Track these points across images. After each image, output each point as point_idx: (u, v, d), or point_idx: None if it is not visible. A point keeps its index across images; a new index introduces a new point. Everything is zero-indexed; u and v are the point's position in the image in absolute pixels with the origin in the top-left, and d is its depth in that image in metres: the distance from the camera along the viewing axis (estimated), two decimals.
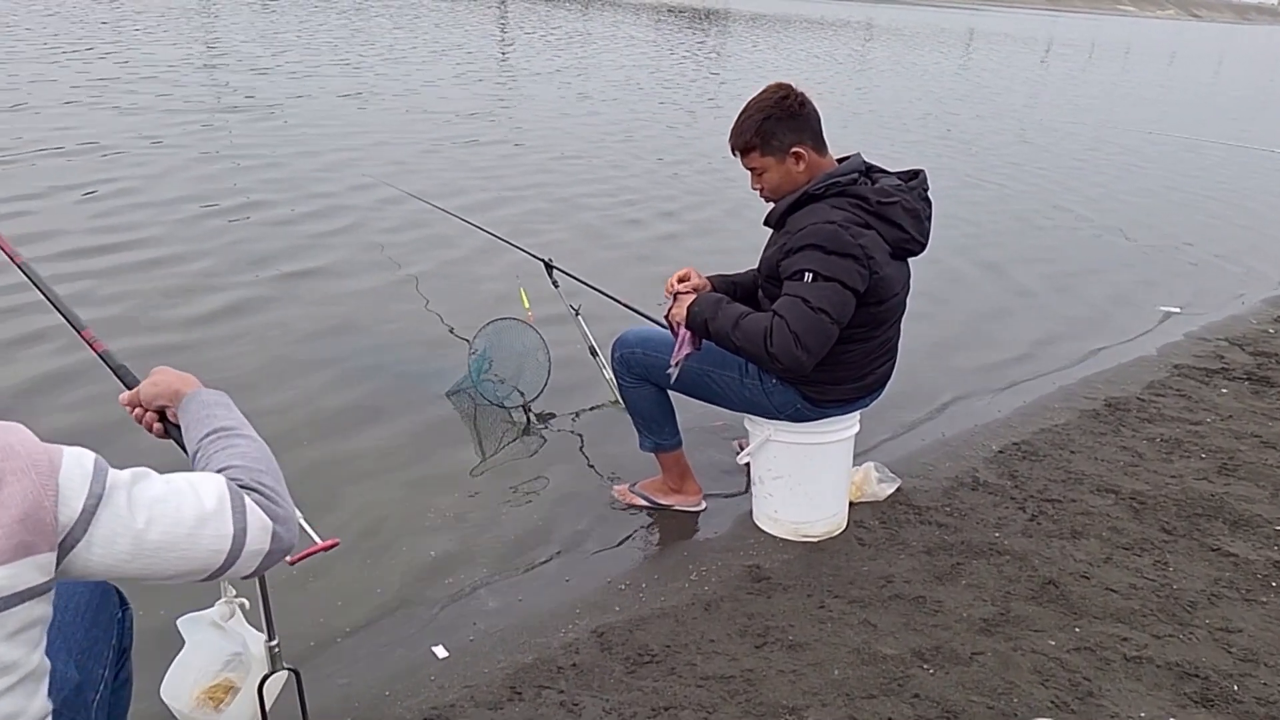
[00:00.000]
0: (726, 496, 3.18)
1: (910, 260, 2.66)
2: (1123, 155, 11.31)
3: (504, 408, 3.60)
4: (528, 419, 3.59)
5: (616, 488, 3.15)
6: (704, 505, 3.09)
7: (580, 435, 3.53)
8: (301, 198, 6.34)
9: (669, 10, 37.00)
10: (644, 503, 3.08)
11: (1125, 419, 3.94)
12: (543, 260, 3.90)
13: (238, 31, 15.66)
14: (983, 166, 9.71)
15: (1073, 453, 3.58)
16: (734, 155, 2.61)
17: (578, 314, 3.83)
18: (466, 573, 2.68)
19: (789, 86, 2.54)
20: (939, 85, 18.19)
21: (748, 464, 2.98)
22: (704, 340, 2.60)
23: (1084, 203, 8.44)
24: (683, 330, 2.60)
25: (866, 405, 2.81)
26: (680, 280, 2.72)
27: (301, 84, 10.94)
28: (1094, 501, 3.20)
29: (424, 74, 12.74)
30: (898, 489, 3.21)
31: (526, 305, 3.84)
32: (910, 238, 2.53)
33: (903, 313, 2.72)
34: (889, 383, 2.82)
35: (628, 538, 2.92)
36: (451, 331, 4.36)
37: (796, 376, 2.51)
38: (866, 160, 2.61)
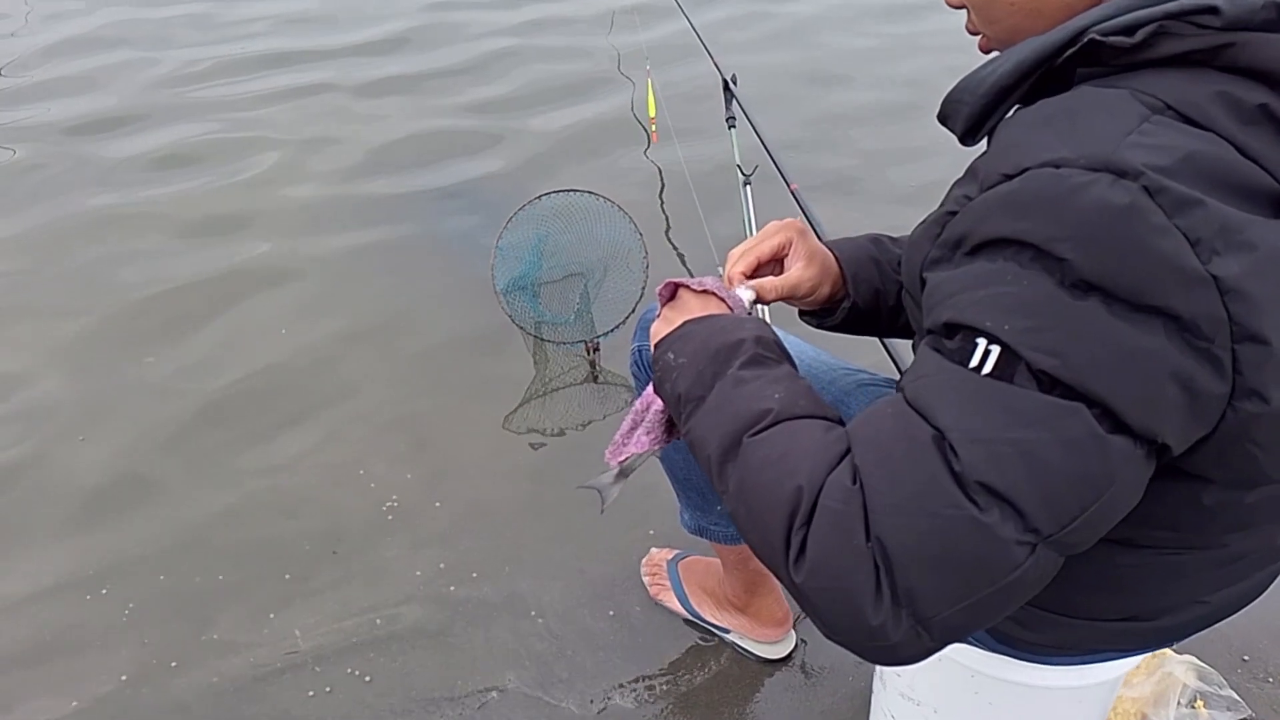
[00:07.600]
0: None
1: None
2: None
3: (549, 342, 2.19)
4: (592, 367, 2.18)
5: (653, 555, 1.73)
6: (787, 647, 1.59)
7: None
8: None
9: None
10: (680, 609, 1.64)
11: None
12: (724, 77, 2.35)
13: None
14: None
15: None
16: None
17: (748, 183, 2.24)
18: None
19: None
20: None
21: None
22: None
23: None
24: (647, 392, 1.00)
25: (1156, 648, 1.06)
26: (756, 261, 1.01)
27: None
28: None
29: None
30: None
31: (651, 113, 2.46)
32: None
33: None
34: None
35: (613, 695, 1.53)
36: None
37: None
38: None
